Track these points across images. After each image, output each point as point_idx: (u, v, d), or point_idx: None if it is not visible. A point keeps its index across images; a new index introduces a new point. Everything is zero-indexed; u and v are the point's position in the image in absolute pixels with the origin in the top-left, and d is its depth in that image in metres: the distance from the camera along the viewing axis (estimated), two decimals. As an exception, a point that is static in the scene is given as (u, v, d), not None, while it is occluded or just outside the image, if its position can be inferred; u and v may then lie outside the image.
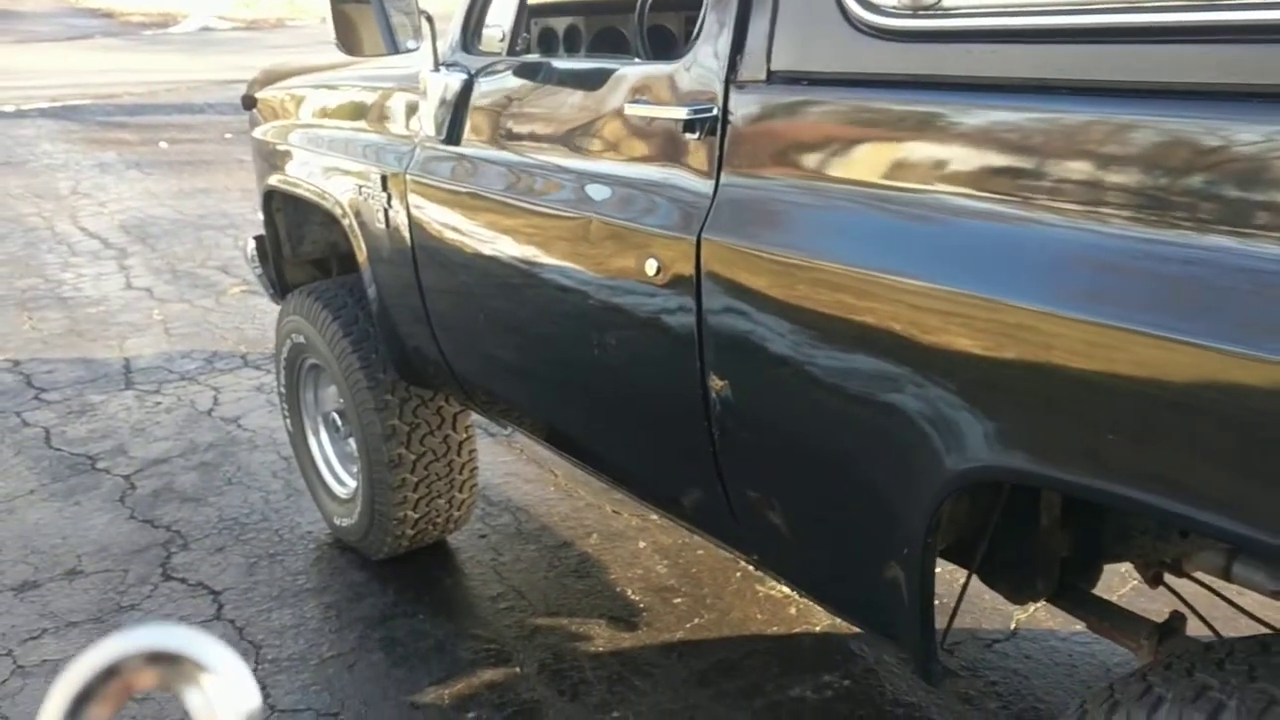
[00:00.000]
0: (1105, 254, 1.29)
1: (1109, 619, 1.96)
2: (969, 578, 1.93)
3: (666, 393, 2.00)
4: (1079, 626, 2.81)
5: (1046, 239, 1.35)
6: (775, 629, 3.06)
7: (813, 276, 1.62)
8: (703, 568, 3.41)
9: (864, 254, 1.56)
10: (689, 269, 1.83)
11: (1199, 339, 1.17)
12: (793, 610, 3.14)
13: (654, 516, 3.75)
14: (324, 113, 3.27)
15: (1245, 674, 1.29)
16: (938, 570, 1.94)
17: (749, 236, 1.73)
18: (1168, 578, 2.05)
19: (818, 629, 3.04)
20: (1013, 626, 3.00)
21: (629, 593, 3.30)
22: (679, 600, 3.24)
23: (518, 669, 2.94)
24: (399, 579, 3.44)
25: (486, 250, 2.44)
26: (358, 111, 3.06)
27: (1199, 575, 2.03)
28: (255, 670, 2.95)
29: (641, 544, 3.59)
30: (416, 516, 3.36)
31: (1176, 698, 1.30)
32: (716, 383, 1.85)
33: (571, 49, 3.34)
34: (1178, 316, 1.20)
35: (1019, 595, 1.98)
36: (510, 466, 4.24)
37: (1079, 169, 1.33)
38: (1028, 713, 2.67)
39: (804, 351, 1.66)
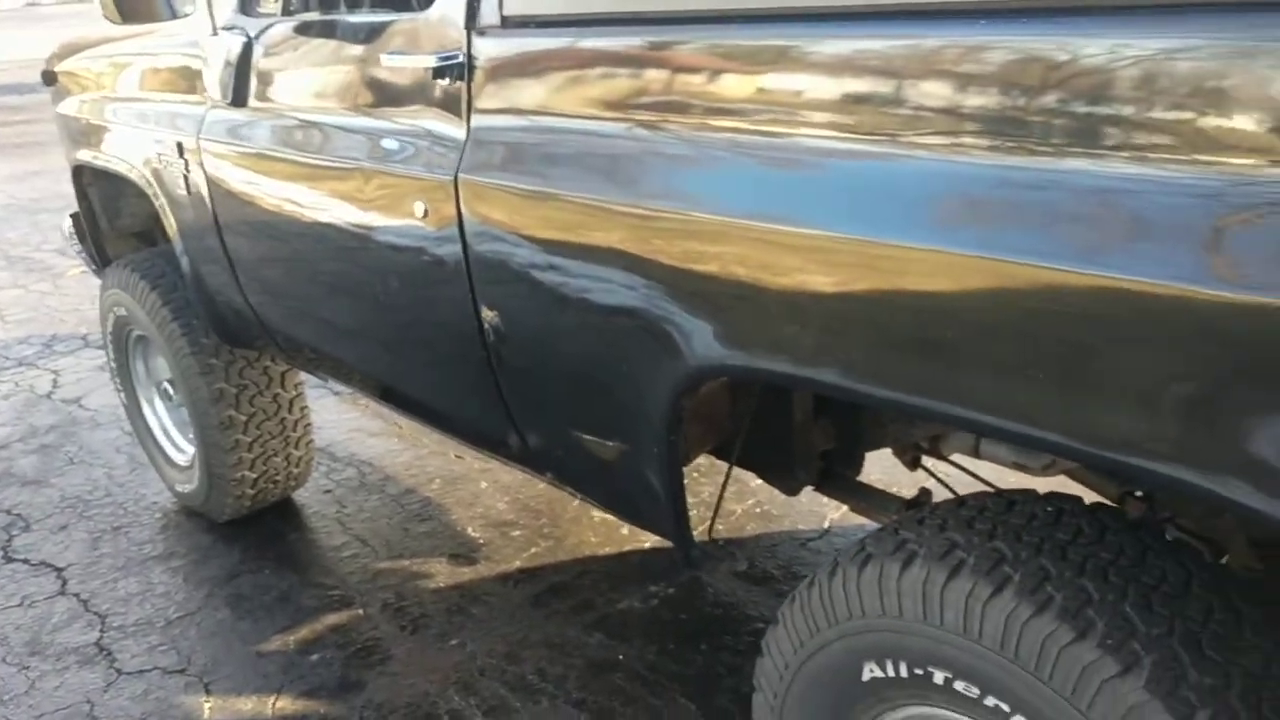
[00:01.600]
0: (781, 163, 1.44)
1: (867, 499, 2.16)
2: (729, 471, 2.09)
3: (448, 328, 2.11)
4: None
5: (739, 156, 1.49)
6: (607, 550, 3.22)
7: (554, 206, 1.75)
8: (541, 501, 3.55)
9: (597, 183, 1.68)
10: (451, 209, 1.94)
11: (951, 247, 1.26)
12: (624, 531, 3.31)
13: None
14: (121, 83, 3.26)
15: (987, 532, 1.43)
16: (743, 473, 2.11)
17: (498, 173, 1.84)
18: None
19: (645, 546, 3.22)
20: (826, 525, 3.22)
21: (469, 530, 3.42)
22: (517, 533, 3.38)
23: (360, 611, 3.05)
24: (245, 538, 3.50)
25: (277, 207, 2.51)
26: (152, 80, 3.06)
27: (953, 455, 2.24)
28: (101, 639, 3.00)
29: (483, 484, 3.71)
30: (254, 476, 3.41)
31: (928, 554, 1.42)
32: (488, 313, 1.97)
33: (354, 3, 3.37)
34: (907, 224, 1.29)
35: (788, 487, 2.17)
36: (355, 422, 4.31)
37: (766, 88, 1.47)
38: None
39: (553, 275, 1.79)
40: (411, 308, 2.19)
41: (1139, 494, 1.75)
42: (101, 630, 3.07)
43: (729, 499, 3.39)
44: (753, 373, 1.55)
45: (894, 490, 2.26)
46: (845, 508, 3.17)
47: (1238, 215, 1.04)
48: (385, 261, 2.18)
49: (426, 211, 2.00)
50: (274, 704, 2.69)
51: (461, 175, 1.90)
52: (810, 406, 2.02)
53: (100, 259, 3.82)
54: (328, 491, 3.78)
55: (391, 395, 2.64)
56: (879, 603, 1.47)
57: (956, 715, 1.46)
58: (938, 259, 1.25)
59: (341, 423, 4.26)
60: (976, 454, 2.16)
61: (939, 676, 1.43)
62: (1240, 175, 1.04)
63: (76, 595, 3.24)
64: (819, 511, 3.26)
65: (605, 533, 3.31)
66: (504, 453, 2.30)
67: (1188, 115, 1.07)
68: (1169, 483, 1.15)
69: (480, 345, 2.03)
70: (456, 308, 2.03)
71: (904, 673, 1.47)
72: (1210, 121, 1.06)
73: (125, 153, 3.15)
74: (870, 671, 1.52)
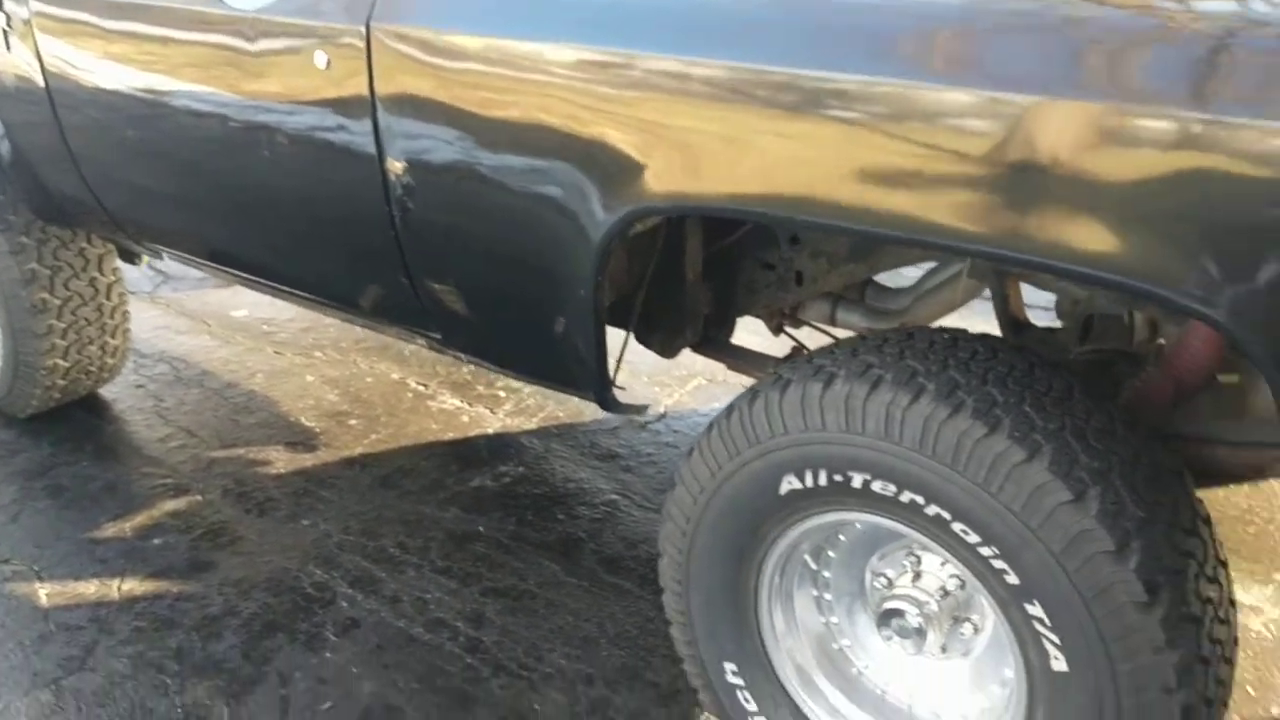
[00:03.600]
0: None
1: (742, 358, 2.33)
2: (628, 336, 2.20)
3: (346, 184, 2.09)
4: (717, 404, 3.25)
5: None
6: (451, 435, 3.27)
7: (474, 51, 1.78)
8: (374, 392, 3.54)
9: (515, 25, 1.74)
10: (360, 58, 1.92)
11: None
12: (465, 419, 3.36)
13: (319, 353, 3.82)
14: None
15: (897, 354, 1.62)
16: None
17: (416, 18, 1.85)
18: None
19: (491, 431, 3.29)
20: (663, 410, 3.38)
21: (303, 420, 3.37)
22: (354, 421, 3.36)
23: (199, 497, 2.97)
24: (53, 432, 3.31)
25: (141, 70, 2.38)
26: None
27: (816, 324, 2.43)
28: (-98, 537, 2.79)
29: (309, 378, 3.65)
30: (67, 365, 3.23)
31: (847, 374, 1.59)
32: (395, 166, 1.98)
33: None
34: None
35: (670, 347, 2.29)
36: (159, 320, 4.12)
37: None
38: (678, 476, 3.06)
39: (477, 122, 1.83)
40: (304, 169, 2.15)
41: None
42: (-97, 525, 2.85)
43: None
44: (692, 208, 1.66)
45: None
46: (679, 395, 3.36)
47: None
48: (274, 120, 2.13)
49: (329, 61, 1.97)
50: (119, 587, 2.60)
51: (374, 21, 1.89)
52: (700, 268, 2.15)
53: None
54: (140, 387, 3.61)
55: (271, 270, 2.57)
56: (801, 420, 1.63)
57: (869, 516, 1.65)
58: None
59: (144, 320, 4.05)
60: (833, 321, 2.38)
61: (858, 480, 1.60)
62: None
63: None
64: (654, 399, 3.41)
65: (445, 420, 3.35)
66: (390, 315, 2.31)
67: None
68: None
69: (383, 203, 2.03)
70: (358, 164, 2.02)
71: (823, 481, 1.63)
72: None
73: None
74: (789, 484, 1.67)
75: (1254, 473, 1.90)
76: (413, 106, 1.90)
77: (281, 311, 4.10)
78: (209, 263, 2.76)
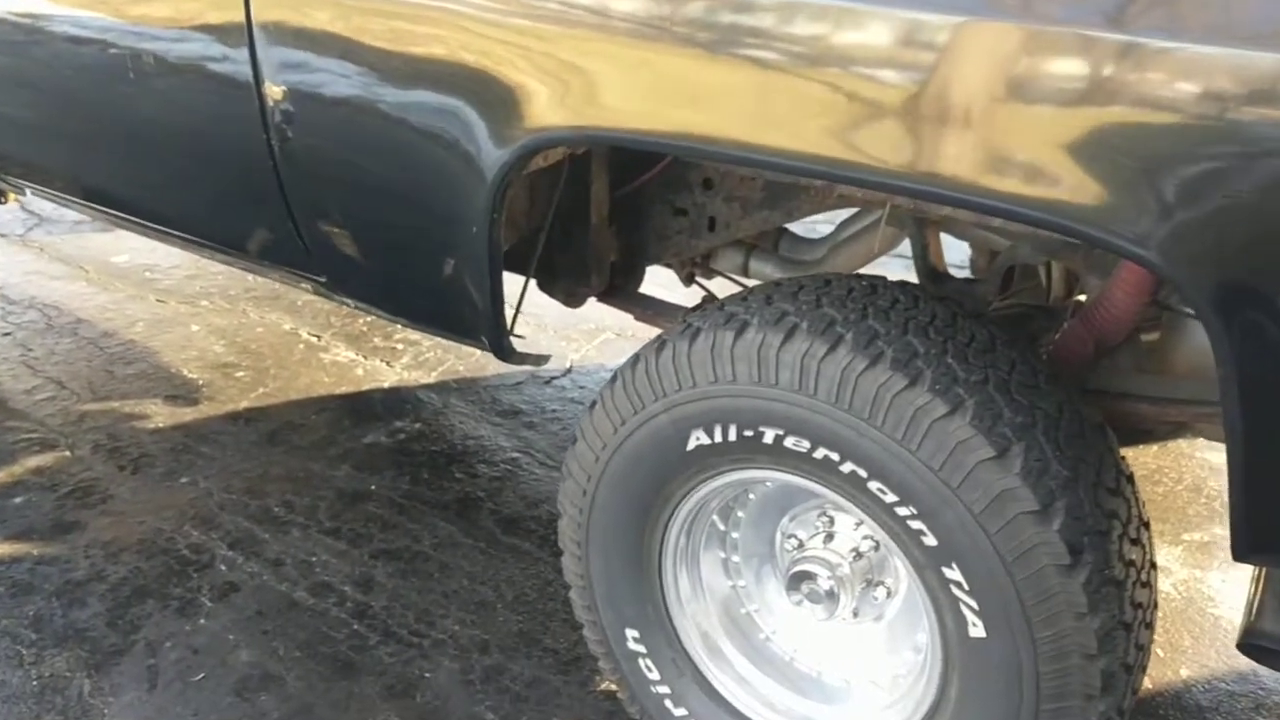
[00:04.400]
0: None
1: (651, 309, 2.21)
2: (527, 281, 2.07)
3: (221, 113, 1.92)
4: (623, 357, 3.13)
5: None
6: (344, 389, 3.10)
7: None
8: (263, 343, 3.35)
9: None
10: (234, -30, 1.75)
11: None
12: (360, 371, 3.19)
13: (205, 301, 3.61)
14: None
15: (813, 302, 1.51)
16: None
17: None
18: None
19: (387, 385, 3.12)
20: (568, 365, 3.25)
21: (185, 372, 3.17)
22: (241, 374, 3.17)
23: (68, 453, 2.76)
24: (-93, 383, 3.07)
25: None
26: None
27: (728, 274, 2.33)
28: None
29: (194, 327, 3.44)
30: (-78, 310, 2.98)
31: (761, 322, 1.48)
32: (273, 91, 1.81)
33: None
34: None
35: (574, 296, 2.17)
36: (31, 265, 3.85)
37: None
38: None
39: (365, 42, 1.66)
40: (179, 97, 1.97)
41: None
42: None
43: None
44: (594, 137, 1.52)
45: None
46: (586, 349, 3.24)
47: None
48: (147, 44, 1.94)
49: (201, -24, 1.79)
50: (-26, 549, 2.40)
51: (248, -67, 1.71)
52: (607, 212, 2.02)
53: None
54: (6, 334, 3.36)
55: (147, 209, 2.37)
56: (711, 371, 1.51)
57: (781, 474, 1.55)
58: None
59: (14, 265, 3.79)
60: (746, 271, 2.28)
61: (769, 435, 1.49)
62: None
63: None
64: (560, 353, 3.28)
65: (339, 374, 3.18)
66: (286, 265, 2.13)
67: None
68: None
69: (261, 131, 1.86)
70: (234, 91, 1.84)
71: (733, 436, 1.53)
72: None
73: None
74: (697, 439, 1.56)
75: (1176, 430, 1.85)
76: (291, 27, 1.73)
77: (166, 257, 3.86)
78: (83, 202, 2.54)
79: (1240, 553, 1.28)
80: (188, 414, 2.95)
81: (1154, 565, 1.51)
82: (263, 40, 1.77)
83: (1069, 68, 1.15)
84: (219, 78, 1.87)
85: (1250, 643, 1.44)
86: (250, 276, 3.30)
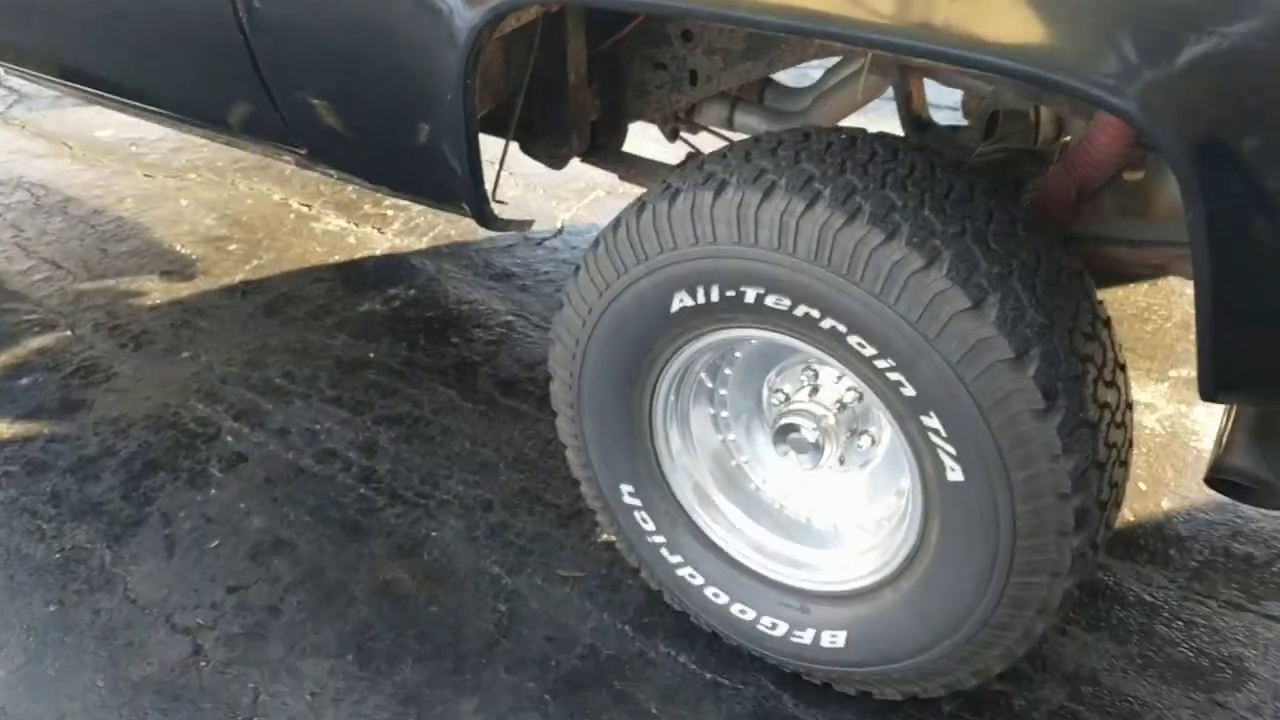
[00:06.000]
0: None
1: (635, 167, 2.20)
2: (506, 145, 2.05)
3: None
4: (613, 215, 3.12)
5: None
6: (337, 258, 3.11)
7: None
8: (254, 215, 3.34)
9: None
10: None
11: None
12: (352, 240, 3.19)
13: (193, 174, 3.59)
14: None
15: (792, 158, 1.50)
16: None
17: None
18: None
19: (379, 252, 3.13)
20: (559, 226, 3.25)
21: (178, 247, 3.18)
22: (234, 247, 3.17)
23: (69, 332, 2.79)
24: (-97, 269, 3.08)
25: None
26: None
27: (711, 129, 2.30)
28: None
29: (184, 202, 3.43)
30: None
31: (739, 181, 1.48)
32: (237, -40, 1.77)
33: None
34: None
35: (557, 157, 2.15)
36: (14, 143, 3.81)
37: None
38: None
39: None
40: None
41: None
42: None
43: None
44: None
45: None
46: (576, 209, 3.23)
47: None
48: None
49: None
50: (-15, 429, 2.46)
51: None
52: (584, 70, 2.00)
53: None
54: (-3, 216, 3.36)
55: (121, 85, 2.33)
56: (691, 232, 1.52)
57: (764, 332, 1.57)
58: None
59: (-3, 145, 3.76)
60: (730, 125, 2.25)
61: (750, 295, 1.51)
62: None
63: None
64: (549, 214, 3.28)
65: (331, 243, 3.18)
66: (265, 138, 2.11)
67: None
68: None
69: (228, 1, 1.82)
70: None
71: (715, 297, 1.55)
72: None
73: None
74: (680, 301, 1.58)
75: (1155, 271, 1.86)
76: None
77: (150, 130, 3.81)
78: (59, 80, 2.51)
79: (1207, 392, 1.32)
80: (184, 289, 2.97)
81: (1130, 406, 1.54)
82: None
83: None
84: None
85: (1218, 477, 1.49)
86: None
